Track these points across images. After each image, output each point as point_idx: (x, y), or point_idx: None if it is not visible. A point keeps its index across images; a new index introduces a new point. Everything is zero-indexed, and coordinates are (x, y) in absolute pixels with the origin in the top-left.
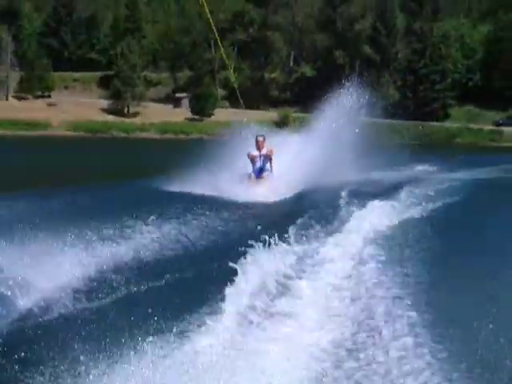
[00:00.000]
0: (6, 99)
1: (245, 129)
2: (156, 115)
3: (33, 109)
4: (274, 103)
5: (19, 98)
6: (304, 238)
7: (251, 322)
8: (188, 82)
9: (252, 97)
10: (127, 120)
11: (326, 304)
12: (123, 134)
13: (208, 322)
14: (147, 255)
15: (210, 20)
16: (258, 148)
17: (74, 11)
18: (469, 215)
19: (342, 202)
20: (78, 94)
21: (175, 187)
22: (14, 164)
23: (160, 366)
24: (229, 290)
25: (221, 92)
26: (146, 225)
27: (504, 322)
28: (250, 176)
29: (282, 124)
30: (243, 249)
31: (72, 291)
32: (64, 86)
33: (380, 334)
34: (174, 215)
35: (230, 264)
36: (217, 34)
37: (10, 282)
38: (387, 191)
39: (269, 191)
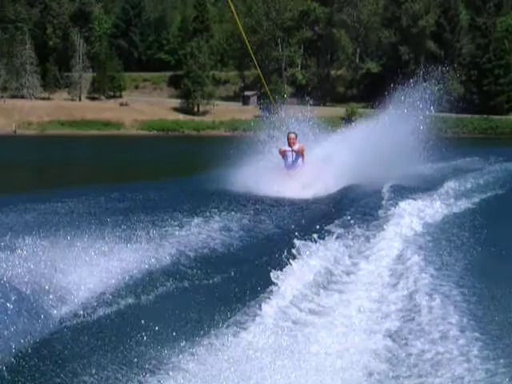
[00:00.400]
0: (79, 100)
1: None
2: (225, 113)
3: (105, 109)
4: (341, 99)
5: (92, 99)
6: (346, 236)
7: (294, 322)
8: (256, 80)
9: (319, 93)
10: (197, 118)
11: (370, 304)
12: (194, 132)
13: (248, 322)
14: (187, 255)
15: (238, 21)
16: (289, 145)
17: (143, 12)
18: None
19: (385, 197)
20: (149, 94)
21: (217, 184)
22: (85, 162)
23: (204, 365)
24: (272, 288)
25: (288, 89)
26: (183, 225)
27: None
28: (281, 170)
29: (348, 120)
30: (283, 248)
31: (109, 293)
32: (135, 86)
33: (425, 332)
34: (211, 213)
35: (272, 262)
36: (247, 40)
37: (47, 287)
38: (434, 185)
39: (301, 185)
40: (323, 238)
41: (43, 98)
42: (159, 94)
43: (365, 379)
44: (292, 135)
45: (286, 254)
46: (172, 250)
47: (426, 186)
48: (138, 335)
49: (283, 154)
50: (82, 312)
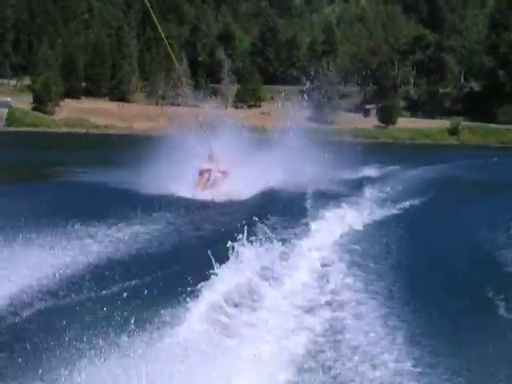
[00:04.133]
0: (226, 108)
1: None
2: (349, 123)
3: (248, 116)
4: (447, 114)
5: (236, 107)
6: (273, 239)
7: (221, 326)
8: (374, 94)
9: (428, 108)
10: (327, 127)
11: (294, 310)
12: (325, 139)
13: (176, 324)
14: (114, 257)
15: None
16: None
17: (277, 34)
18: (437, 209)
19: (308, 202)
20: (282, 105)
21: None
22: None
23: (138, 359)
24: (201, 290)
25: (402, 103)
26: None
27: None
28: (199, 180)
29: (453, 131)
30: (212, 250)
31: (49, 289)
32: (270, 97)
33: (346, 341)
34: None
35: (201, 264)
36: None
37: None
38: (354, 191)
39: (220, 194)
40: (250, 243)
41: (195, 106)
42: (291, 104)
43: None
44: (215, 155)
45: (212, 258)
46: (103, 251)
47: (346, 192)
48: (68, 333)
49: (205, 174)
50: (17, 305)
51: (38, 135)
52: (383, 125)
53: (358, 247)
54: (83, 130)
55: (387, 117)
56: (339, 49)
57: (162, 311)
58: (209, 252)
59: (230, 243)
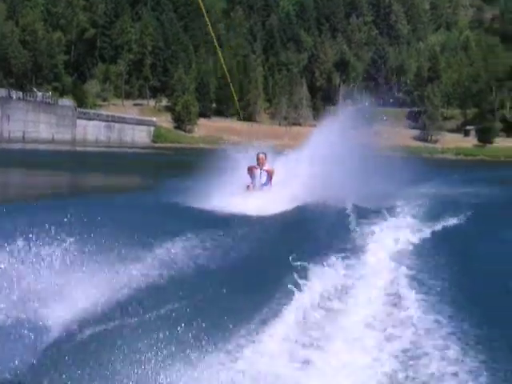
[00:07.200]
0: None
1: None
2: (450, 142)
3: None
4: None
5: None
6: (325, 259)
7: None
8: (474, 117)
9: None
10: (431, 145)
11: (360, 336)
12: (428, 155)
13: (246, 347)
14: (172, 275)
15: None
16: (259, 164)
17: (387, 61)
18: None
19: (352, 218)
20: (391, 125)
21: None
22: None
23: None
24: (260, 316)
25: (498, 125)
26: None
27: None
28: (248, 187)
29: None
30: (263, 273)
31: (103, 309)
32: (382, 118)
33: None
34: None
35: (264, 286)
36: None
37: (36, 303)
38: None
39: (267, 202)
40: (303, 264)
41: (313, 126)
42: (398, 125)
43: None
44: (261, 155)
45: (274, 279)
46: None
47: (385, 206)
48: (142, 352)
49: (253, 172)
50: (82, 325)
51: (180, 149)
52: (482, 144)
53: (418, 263)
54: (218, 147)
55: (485, 137)
56: (443, 75)
57: (238, 330)
58: (269, 273)
59: (285, 263)
